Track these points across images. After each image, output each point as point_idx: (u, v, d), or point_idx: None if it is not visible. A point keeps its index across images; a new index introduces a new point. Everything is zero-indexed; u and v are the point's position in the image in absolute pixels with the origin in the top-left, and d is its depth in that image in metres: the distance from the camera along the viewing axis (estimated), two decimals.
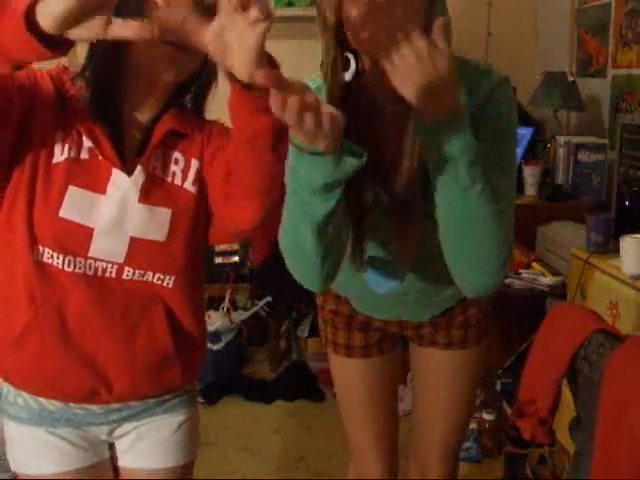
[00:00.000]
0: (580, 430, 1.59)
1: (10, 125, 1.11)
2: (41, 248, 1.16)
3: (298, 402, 3.12)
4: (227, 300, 3.39)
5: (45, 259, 1.16)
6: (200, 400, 2.71)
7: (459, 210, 1.10)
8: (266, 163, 1.08)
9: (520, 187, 3.02)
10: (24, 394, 1.26)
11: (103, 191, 1.18)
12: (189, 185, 1.23)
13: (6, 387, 1.29)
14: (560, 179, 3.04)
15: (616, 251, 2.09)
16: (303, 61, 3.41)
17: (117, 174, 1.18)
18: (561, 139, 3.06)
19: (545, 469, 2.35)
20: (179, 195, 1.23)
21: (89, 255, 1.18)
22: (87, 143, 1.17)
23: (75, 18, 0.85)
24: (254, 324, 3.55)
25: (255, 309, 3.48)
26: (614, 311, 2.05)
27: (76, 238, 1.17)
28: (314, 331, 3.35)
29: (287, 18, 3.47)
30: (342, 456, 1.76)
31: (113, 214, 1.18)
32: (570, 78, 3.23)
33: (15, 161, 1.15)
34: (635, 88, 2.86)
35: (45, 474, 1.27)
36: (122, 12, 0.87)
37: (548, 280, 2.58)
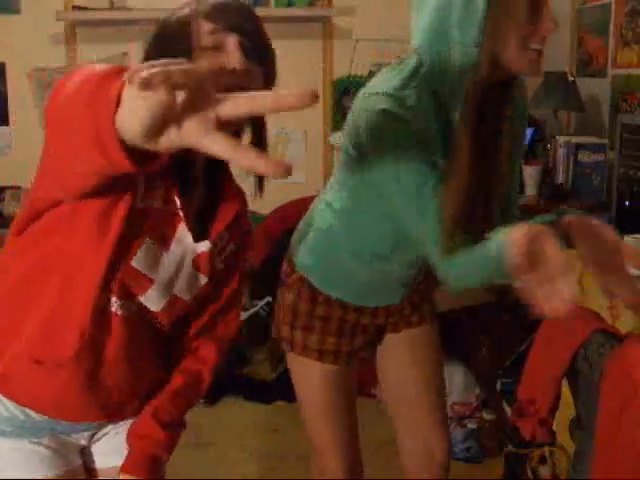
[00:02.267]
0: (580, 430, 1.59)
1: None
2: (106, 294, 1.14)
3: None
4: None
5: (104, 302, 1.15)
6: (200, 400, 2.71)
7: None
8: None
9: (520, 187, 3.01)
10: (10, 405, 1.22)
11: (168, 247, 1.17)
12: (219, 263, 1.25)
13: None
14: (560, 179, 3.04)
15: None
16: (303, 61, 3.43)
17: (182, 231, 1.18)
18: (561, 139, 3.06)
19: (545, 469, 2.34)
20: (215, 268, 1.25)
21: (138, 300, 1.18)
22: (159, 192, 1.14)
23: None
24: (254, 324, 3.54)
25: (255, 309, 3.48)
26: (614, 311, 2.05)
27: (138, 287, 1.16)
28: None
29: (287, 18, 3.46)
30: None
31: (172, 270, 1.19)
32: (570, 78, 3.23)
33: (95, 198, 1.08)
34: (635, 88, 2.86)
35: None
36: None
37: None
